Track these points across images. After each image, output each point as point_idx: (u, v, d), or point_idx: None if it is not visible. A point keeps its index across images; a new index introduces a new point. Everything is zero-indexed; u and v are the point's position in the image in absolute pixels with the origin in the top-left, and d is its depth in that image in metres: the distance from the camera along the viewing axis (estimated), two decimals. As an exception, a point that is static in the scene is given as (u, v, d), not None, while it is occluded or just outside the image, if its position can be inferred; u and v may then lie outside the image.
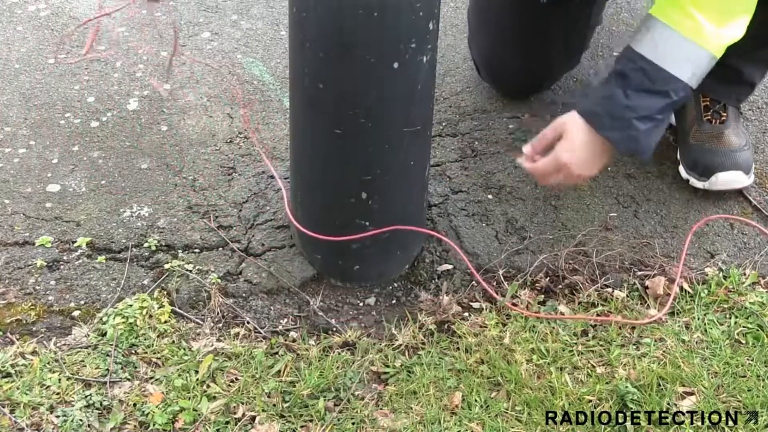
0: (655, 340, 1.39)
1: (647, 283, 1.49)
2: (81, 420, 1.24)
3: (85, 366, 1.33)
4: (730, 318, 1.44)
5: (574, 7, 1.71)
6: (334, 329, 1.43)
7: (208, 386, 1.31)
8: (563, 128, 1.34)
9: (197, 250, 1.54)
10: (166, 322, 1.40)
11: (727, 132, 1.63)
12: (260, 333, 1.42)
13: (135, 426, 1.25)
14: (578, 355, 1.37)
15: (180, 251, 1.54)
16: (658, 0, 1.31)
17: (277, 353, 1.37)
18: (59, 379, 1.30)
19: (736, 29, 1.29)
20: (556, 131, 1.35)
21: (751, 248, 1.58)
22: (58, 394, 1.28)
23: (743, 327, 1.42)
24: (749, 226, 1.61)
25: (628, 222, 1.63)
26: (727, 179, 1.61)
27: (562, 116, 1.35)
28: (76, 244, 1.54)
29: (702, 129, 1.64)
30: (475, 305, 1.46)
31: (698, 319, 1.43)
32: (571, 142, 1.32)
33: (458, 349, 1.38)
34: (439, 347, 1.38)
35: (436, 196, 1.66)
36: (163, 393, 1.29)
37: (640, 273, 1.51)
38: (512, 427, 1.26)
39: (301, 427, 1.26)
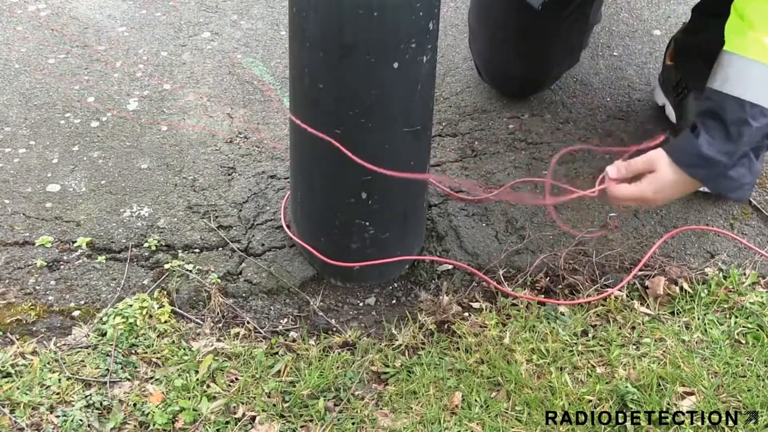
0: (655, 340, 1.39)
1: (647, 283, 1.49)
2: (81, 420, 1.24)
3: (85, 366, 1.33)
4: (730, 318, 1.44)
5: (573, 7, 1.71)
6: (334, 329, 1.43)
7: (208, 386, 1.31)
8: (655, 165, 1.30)
9: (197, 250, 1.54)
10: (166, 322, 1.40)
11: None
12: (260, 333, 1.41)
13: (135, 426, 1.25)
14: (578, 355, 1.37)
15: (180, 251, 1.54)
16: (726, 36, 1.28)
17: (277, 353, 1.37)
18: (59, 379, 1.30)
19: None
20: (648, 165, 1.31)
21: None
22: (58, 394, 1.28)
23: (743, 327, 1.42)
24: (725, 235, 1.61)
25: (628, 222, 1.63)
26: None
27: (655, 151, 1.31)
28: (76, 244, 1.54)
29: None
30: (475, 305, 1.46)
31: (698, 319, 1.43)
32: (662, 180, 1.30)
33: (458, 349, 1.38)
34: (439, 347, 1.38)
35: (436, 196, 1.66)
36: (163, 393, 1.29)
37: (640, 273, 1.51)
38: (512, 427, 1.26)
39: (301, 427, 1.26)
